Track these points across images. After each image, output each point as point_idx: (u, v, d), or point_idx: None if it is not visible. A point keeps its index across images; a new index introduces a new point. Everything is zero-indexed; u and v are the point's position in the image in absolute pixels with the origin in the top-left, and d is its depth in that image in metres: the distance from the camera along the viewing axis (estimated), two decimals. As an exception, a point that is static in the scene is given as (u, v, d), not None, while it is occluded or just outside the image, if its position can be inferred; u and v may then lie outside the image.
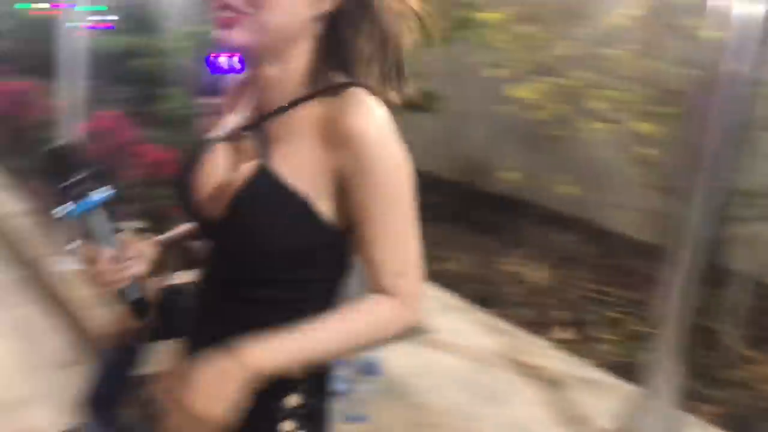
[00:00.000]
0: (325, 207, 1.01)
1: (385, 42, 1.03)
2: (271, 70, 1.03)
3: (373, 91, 1.01)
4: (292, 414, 1.07)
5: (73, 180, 1.10)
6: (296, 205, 1.00)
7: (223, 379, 0.95)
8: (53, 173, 1.12)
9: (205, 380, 0.95)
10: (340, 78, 1.02)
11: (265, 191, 1.00)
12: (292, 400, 1.08)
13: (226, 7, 0.96)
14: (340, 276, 1.11)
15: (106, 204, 1.12)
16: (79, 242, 1.20)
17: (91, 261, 1.13)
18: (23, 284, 3.66)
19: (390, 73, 1.04)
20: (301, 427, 1.08)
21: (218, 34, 0.97)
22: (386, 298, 1.03)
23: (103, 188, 1.11)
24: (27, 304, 3.45)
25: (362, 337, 1.04)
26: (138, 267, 1.17)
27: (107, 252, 1.12)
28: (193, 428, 0.95)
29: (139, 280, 1.16)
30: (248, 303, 1.09)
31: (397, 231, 1.02)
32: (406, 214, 1.02)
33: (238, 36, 0.97)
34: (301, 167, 1.00)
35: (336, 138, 0.98)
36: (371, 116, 0.98)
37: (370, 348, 1.28)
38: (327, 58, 1.03)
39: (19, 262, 3.89)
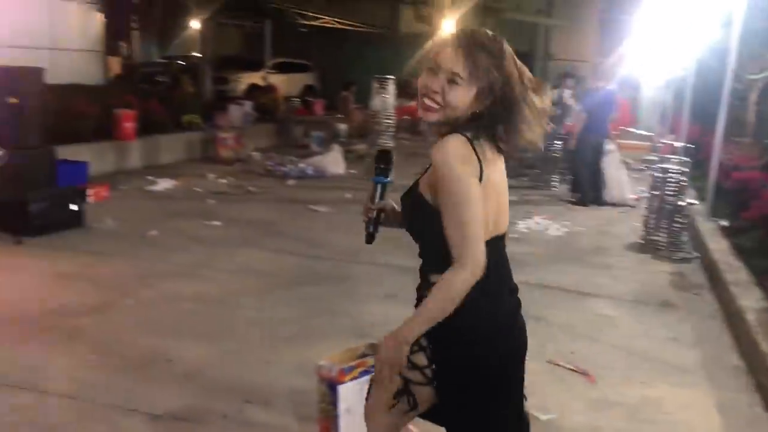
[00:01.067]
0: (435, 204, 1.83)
1: (514, 127, 1.85)
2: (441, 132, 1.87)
3: (467, 137, 1.80)
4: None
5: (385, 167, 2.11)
6: (422, 203, 1.87)
7: (393, 347, 1.82)
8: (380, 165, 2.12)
9: (386, 347, 1.83)
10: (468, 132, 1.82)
11: (413, 195, 1.92)
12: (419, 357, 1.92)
13: (429, 101, 1.85)
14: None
15: (388, 183, 2.11)
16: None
17: (367, 204, 2.09)
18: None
19: (510, 144, 1.89)
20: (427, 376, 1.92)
21: (420, 113, 1.89)
22: (454, 264, 1.75)
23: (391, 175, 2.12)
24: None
25: (447, 299, 1.75)
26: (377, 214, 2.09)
27: (376, 203, 2.07)
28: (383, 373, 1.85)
29: (375, 220, 2.09)
30: (420, 273, 1.98)
31: (452, 218, 1.76)
32: (457, 206, 1.75)
33: (433, 117, 1.86)
34: (426, 181, 1.88)
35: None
36: (442, 149, 1.78)
37: (454, 305, 1.77)
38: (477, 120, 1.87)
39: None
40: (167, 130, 11.36)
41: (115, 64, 26.34)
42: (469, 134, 1.79)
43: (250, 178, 9.95)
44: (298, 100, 13.27)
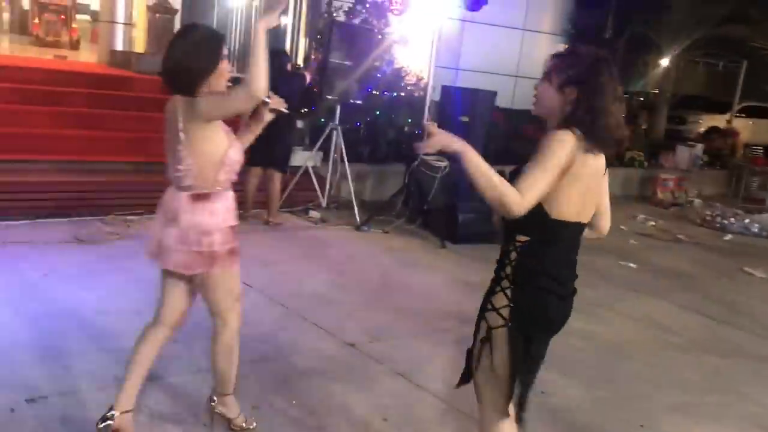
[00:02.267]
0: None
1: (597, 126, 2.07)
2: (549, 124, 2.16)
3: (569, 132, 2.05)
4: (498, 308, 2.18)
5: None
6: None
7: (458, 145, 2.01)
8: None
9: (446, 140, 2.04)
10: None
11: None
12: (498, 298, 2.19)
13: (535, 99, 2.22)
14: None
15: None
16: None
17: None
18: None
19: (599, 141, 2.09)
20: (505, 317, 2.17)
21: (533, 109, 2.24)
22: (514, 189, 1.95)
23: None
24: None
25: (495, 192, 1.94)
26: None
27: None
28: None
29: None
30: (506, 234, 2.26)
31: (529, 166, 2.00)
32: (535, 162, 2.00)
33: (536, 111, 2.23)
34: None
35: None
36: (548, 133, 2.07)
37: (493, 198, 1.96)
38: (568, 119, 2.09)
39: None
40: (607, 164, 11.19)
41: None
42: (571, 129, 2.04)
43: (682, 225, 9.22)
44: (761, 148, 11.75)
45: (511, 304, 2.14)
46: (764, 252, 8.17)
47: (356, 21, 8.59)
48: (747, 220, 9.15)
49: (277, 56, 6.03)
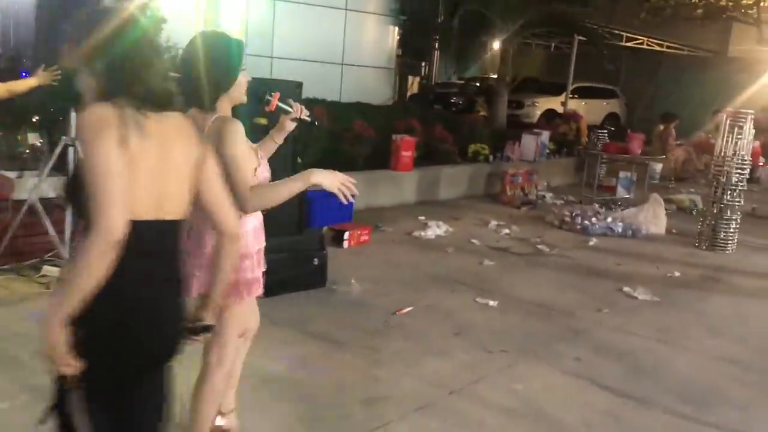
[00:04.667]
0: None
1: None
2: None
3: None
4: None
5: None
6: None
7: None
8: None
9: None
10: None
11: None
12: None
13: None
14: None
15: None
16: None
17: None
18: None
19: None
20: None
21: None
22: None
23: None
24: None
25: None
26: None
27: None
28: None
29: None
30: None
31: None
32: None
33: None
34: None
35: None
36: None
37: None
38: None
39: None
40: (450, 160, 9.59)
41: (414, 84, 26.06)
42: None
43: (540, 229, 7.72)
44: (605, 131, 10.63)
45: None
46: (634, 259, 6.80)
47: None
48: (609, 219, 7.81)
49: None
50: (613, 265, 6.49)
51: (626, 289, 5.63)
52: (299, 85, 5.27)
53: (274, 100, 2.48)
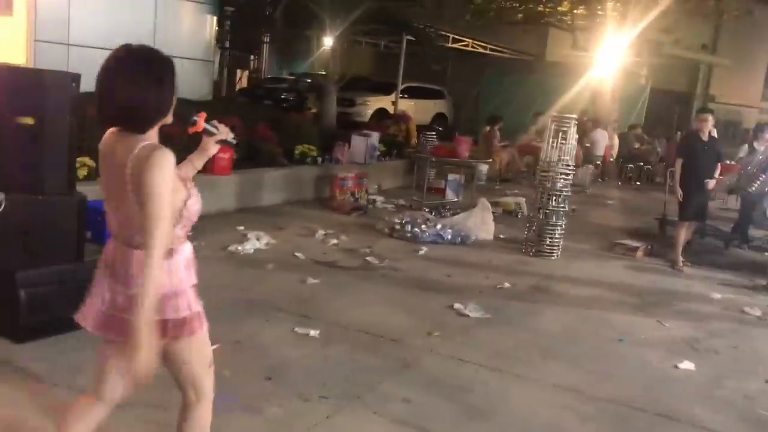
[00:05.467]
0: None
1: None
2: None
3: None
4: None
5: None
6: None
7: None
8: None
9: None
10: None
11: None
12: None
13: None
14: None
15: None
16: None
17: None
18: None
19: None
20: None
21: None
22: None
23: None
24: None
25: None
26: None
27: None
28: None
29: None
30: None
31: None
32: None
33: None
34: None
35: None
36: None
37: None
38: None
39: None
40: (275, 162, 8.84)
41: (243, 78, 24.91)
42: None
43: (370, 238, 7.21)
44: (434, 134, 10.40)
45: None
46: (464, 269, 6.49)
47: None
48: (439, 226, 7.48)
49: None
50: (444, 276, 6.12)
51: (457, 305, 5.23)
52: (76, 78, 4.29)
53: (201, 121, 2.29)
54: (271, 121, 9.86)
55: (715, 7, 18.73)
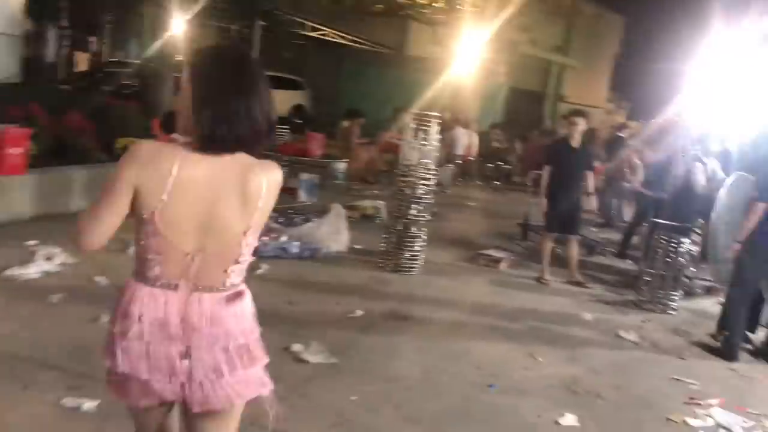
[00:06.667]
0: None
1: None
2: None
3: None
4: None
5: None
6: None
7: None
8: None
9: None
10: None
11: None
12: None
13: None
14: None
15: None
16: None
17: None
18: None
19: None
20: None
21: None
22: None
23: None
24: None
25: None
26: None
27: None
28: None
29: None
30: None
31: None
32: None
33: None
34: None
35: None
36: None
37: None
38: None
39: None
40: (89, 158, 7.32)
41: (83, 61, 22.39)
42: None
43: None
44: (287, 128, 9.25)
45: None
46: (309, 293, 5.44)
47: None
48: (284, 238, 6.36)
49: None
50: (285, 304, 5.01)
51: (296, 347, 4.14)
52: None
53: None
54: (92, 111, 8.28)
55: (571, 6, 18.89)
